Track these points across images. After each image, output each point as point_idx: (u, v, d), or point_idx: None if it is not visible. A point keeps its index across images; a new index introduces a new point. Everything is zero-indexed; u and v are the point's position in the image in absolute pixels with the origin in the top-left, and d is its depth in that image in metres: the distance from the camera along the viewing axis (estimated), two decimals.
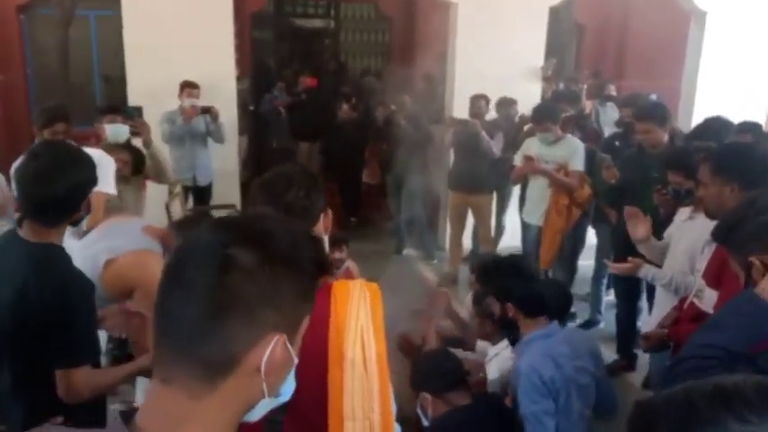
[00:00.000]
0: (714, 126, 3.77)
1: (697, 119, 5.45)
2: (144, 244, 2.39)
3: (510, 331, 2.77)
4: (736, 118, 4.10)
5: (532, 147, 4.69)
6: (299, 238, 0.87)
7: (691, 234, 3.00)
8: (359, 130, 7.03)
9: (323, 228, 1.59)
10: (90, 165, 1.94)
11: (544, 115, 4.63)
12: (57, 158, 1.88)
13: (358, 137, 7.05)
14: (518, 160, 4.79)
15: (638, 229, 3.15)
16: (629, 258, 3.16)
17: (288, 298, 0.82)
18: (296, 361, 0.86)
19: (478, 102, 5.77)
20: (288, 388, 0.89)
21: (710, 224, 2.80)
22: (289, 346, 0.82)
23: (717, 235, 1.92)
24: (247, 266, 0.79)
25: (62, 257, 1.90)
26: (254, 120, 7.30)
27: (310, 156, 7.43)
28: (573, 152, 4.51)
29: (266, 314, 0.80)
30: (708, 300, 2.48)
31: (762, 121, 4.91)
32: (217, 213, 5.86)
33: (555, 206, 4.51)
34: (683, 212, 3.18)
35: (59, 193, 1.82)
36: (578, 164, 4.48)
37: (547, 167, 4.51)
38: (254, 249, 0.80)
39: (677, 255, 3.06)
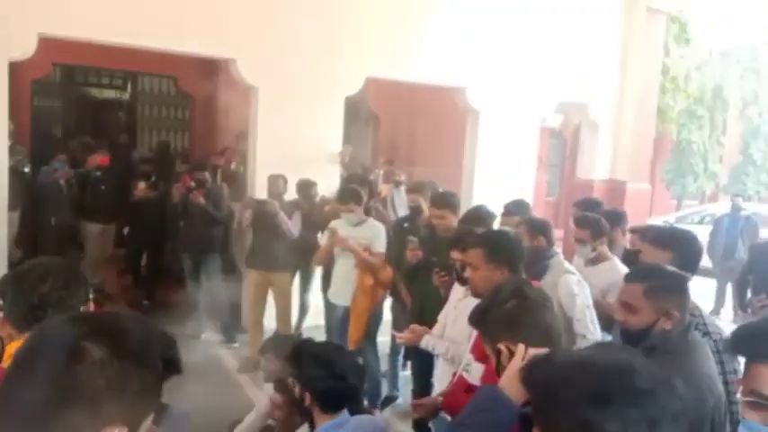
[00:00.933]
0: (479, 213, 4.24)
1: (477, 202, 6.13)
2: None
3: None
4: (508, 199, 4.75)
5: (338, 228, 4.85)
6: (151, 337, 0.91)
7: (466, 312, 3.27)
8: (157, 208, 6.69)
9: None
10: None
11: (349, 197, 4.85)
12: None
13: (157, 216, 6.70)
14: (323, 240, 4.91)
15: (411, 338, 3.28)
16: (412, 326, 3.33)
17: (133, 393, 0.86)
18: None
19: (276, 181, 5.86)
20: None
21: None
22: None
23: (471, 319, 2.03)
24: (97, 359, 0.84)
25: None
26: (30, 194, 6.55)
27: (103, 237, 6.87)
28: (376, 234, 4.77)
29: (109, 407, 0.84)
30: (475, 372, 2.63)
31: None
32: None
33: (361, 286, 4.66)
34: (458, 291, 3.43)
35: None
36: (381, 245, 4.74)
37: (353, 244, 4.67)
38: (106, 344, 0.85)
39: (456, 330, 3.28)
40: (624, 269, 3.57)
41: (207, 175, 6.40)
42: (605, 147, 8.97)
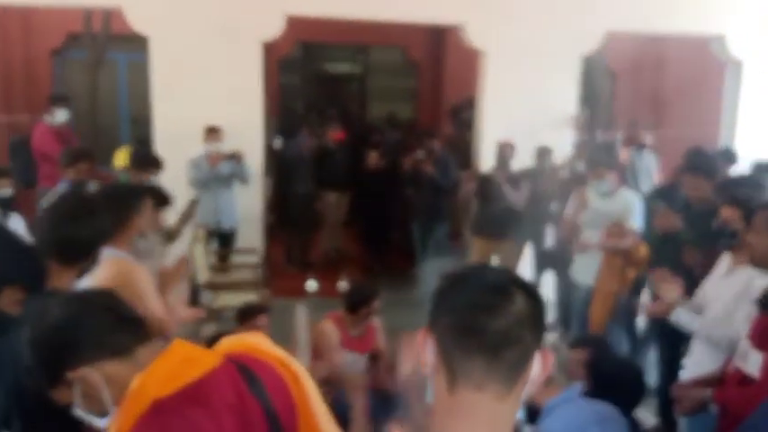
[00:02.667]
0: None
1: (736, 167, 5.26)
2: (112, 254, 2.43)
3: None
4: None
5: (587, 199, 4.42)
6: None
7: (729, 289, 2.80)
8: (386, 178, 6.93)
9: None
10: (106, 219, 2.10)
11: (599, 160, 4.38)
12: (79, 205, 2.11)
13: (385, 185, 6.95)
14: (569, 211, 4.57)
15: (668, 291, 2.90)
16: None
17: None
18: None
19: (505, 149, 5.64)
20: None
21: (750, 280, 2.62)
22: None
23: (762, 301, 1.73)
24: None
25: None
26: (278, 164, 7.25)
27: (339, 205, 7.35)
28: (629, 207, 4.20)
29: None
30: (753, 362, 2.29)
31: None
32: (240, 257, 5.76)
33: (608, 265, 4.17)
34: (722, 266, 2.96)
35: (82, 235, 2.02)
36: (635, 219, 4.17)
37: (593, 244, 4.23)
38: None
39: (715, 310, 2.84)
40: None
41: (435, 144, 6.43)
42: None
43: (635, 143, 6.41)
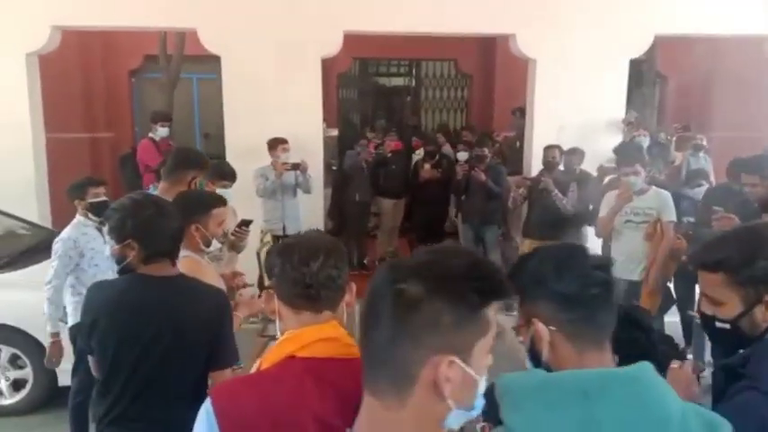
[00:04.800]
0: None
1: None
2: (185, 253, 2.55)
3: None
4: None
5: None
6: (467, 272, 0.97)
7: None
8: (440, 186, 7.25)
9: (347, 301, 1.49)
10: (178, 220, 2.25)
11: (631, 156, 4.56)
12: (166, 206, 2.22)
13: (439, 193, 7.26)
14: (603, 211, 4.75)
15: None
16: None
17: (449, 325, 0.94)
18: (477, 378, 0.98)
19: (551, 152, 5.84)
20: (479, 402, 1.01)
21: None
22: (463, 365, 0.95)
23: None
24: (413, 298, 0.94)
25: (200, 283, 2.21)
26: (338, 174, 7.66)
27: (395, 212, 7.69)
28: (663, 203, 4.39)
29: (430, 339, 0.94)
30: None
31: None
32: None
33: (655, 260, 4.36)
34: None
35: (177, 231, 2.17)
36: (670, 214, 4.36)
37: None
38: (420, 284, 0.95)
39: None
40: None
41: (486, 152, 6.67)
42: None
43: (691, 145, 6.46)
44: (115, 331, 2.02)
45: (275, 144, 5.78)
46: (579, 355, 1.20)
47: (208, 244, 2.70)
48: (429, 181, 7.40)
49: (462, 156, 6.66)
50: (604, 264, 1.25)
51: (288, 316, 1.43)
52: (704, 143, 6.53)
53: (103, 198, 3.81)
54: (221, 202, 2.84)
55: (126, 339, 2.01)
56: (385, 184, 7.55)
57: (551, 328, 1.20)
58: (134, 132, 9.64)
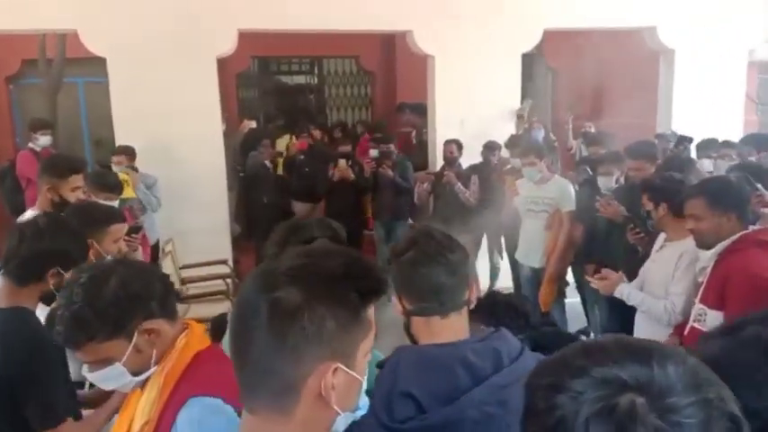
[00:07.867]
0: (679, 159, 3.94)
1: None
2: None
3: None
4: None
5: (522, 188, 4.75)
6: (344, 270, 0.92)
7: (663, 261, 3.09)
8: (354, 186, 7.15)
9: None
10: (63, 240, 1.98)
11: (529, 148, 4.72)
12: (39, 223, 2.00)
13: (355, 192, 7.17)
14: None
15: (606, 285, 3.17)
16: (604, 271, 3.20)
17: (332, 331, 0.89)
18: (361, 380, 0.96)
19: (449, 147, 5.98)
20: (362, 402, 1.01)
21: (679, 254, 2.92)
22: (347, 370, 0.92)
23: None
24: (290, 309, 0.88)
25: (28, 320, 1.92)
26: (242, 176, 7.40)
27: (312, 214, 7.51)
28: (563, 193, 4.57)
29: (313, 349, 0.88)
30: (711, 322, 2.49)
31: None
32: (209, 270, 5.91)
33: (553, 248, 4.51)
34: (657, 242, 3.23)
35: (24, 253, 1.92)
36: (570, 203, 4.52)
37: None
38: (297, 289, 0.88)
39: (654, 283, 3.11)
40: None
41: (392, 148, 6.68)
42: None
43: (580, 134, 6.80)
44: None
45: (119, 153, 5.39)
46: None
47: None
48: (343, 182, 7.23)
49: (373, 153, 6.65)
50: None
51: None
52: (593, 130, 6.88)
53: None
54: (119, 217, 2.65)
55: None
56: (298, 187, 7.37)
57: None
58: (15, 143, 8.94)
